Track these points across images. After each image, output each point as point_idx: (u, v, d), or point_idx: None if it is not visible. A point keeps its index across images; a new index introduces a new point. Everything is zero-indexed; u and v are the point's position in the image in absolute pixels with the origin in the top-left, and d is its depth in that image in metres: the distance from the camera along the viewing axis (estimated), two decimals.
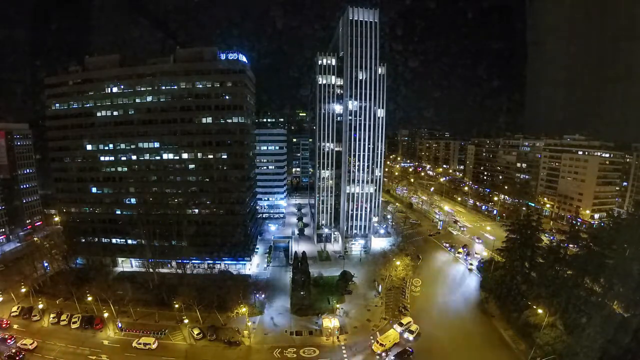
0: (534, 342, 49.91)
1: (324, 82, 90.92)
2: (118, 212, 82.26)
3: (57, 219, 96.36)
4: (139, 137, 77.29)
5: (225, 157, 77.81)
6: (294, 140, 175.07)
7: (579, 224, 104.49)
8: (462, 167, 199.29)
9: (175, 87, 75.57)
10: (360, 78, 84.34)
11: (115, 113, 77.23)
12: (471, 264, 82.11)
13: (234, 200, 79.64)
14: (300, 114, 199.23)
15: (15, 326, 60.43)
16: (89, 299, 62.45)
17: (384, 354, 51.97)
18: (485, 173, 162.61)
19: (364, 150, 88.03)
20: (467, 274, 79.77)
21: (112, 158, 79.74)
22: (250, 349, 54.38)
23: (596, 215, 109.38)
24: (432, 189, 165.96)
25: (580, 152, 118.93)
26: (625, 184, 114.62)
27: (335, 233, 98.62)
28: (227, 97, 75.88)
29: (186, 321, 59.39)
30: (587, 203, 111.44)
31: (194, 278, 70.95)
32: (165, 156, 78.12)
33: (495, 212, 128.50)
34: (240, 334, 57.06)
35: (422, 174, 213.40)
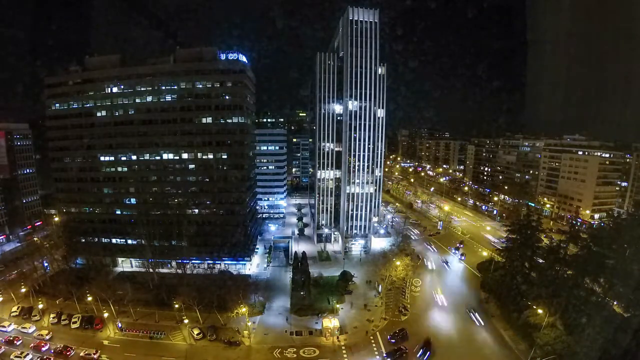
0: (534, 342, 49.89)
1: (324, 82, 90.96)
2: (118, 212, 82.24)
3: (57, 219, 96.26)
4: (139, 137, 77.21)
5: (225, 157, 77.78)
6: (294, 140, 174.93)
7: (579, 224, 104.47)
8: (462, 167, 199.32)
9: (175, 87, 75.53)
10: (360, 78, 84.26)
11: (115, 113, 77.18)
12: None
13: (234, 200, 79.64)
14: (300, 114, 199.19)
15: (15, 326, 60.43)
16: (89, 299, 62.39)
17: None
18: (485, 173, 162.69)
19: (364, 150, 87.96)
20: (467, 273, 79.72)
21: (112, 158, 79.70)
22: (250, 349, 54.39)
23: (596, 215, 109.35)
24: (432, 189, 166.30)
25: (580, 152, 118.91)
26: (625, 184, 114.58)
27: (335, 233, 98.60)
28: (227, 97, 75.86)
29: (186, 321, 59.38)
30: (587, 203, 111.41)
31: (194, 278, 70.87)
32: (165, 156, 78.09)
33: (495, 212, 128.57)
34: (240, 334, 57.08)
35: (422, 174, 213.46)
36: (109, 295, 61.43)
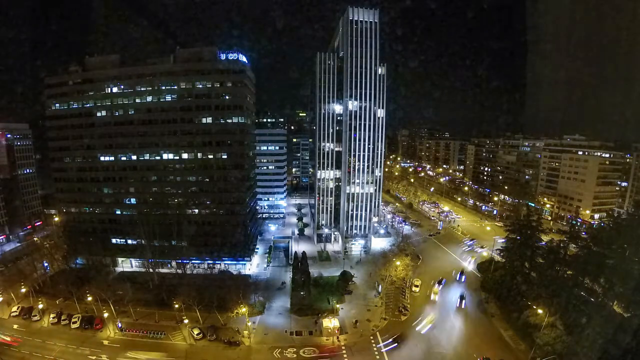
0: (534, 342, 49.91)
1: (324, 82, 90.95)
2: (118, 212, 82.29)
3: (57, 219, 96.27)
4: (139, 137, 77.25)
5: (225, 157, 77.77)
6: (294, 140, 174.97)
7: (579, 224, 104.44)
8: (462, 167, 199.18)
9: (175, 87, 75.55)
10: (360, 78, 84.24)
11: (115, 113, 77.22)
12: None
13: (234, 200, 79.63)
14: (300, 114, 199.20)
15: (15, 326, 60.40)
16: (89, 299, 62.42)
17: None
18: (485, 173, 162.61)
19: (364, 151, 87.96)
20: (467, 273, 79.65)
21: (112, 158, 79.71)
22: (250, 349, 54.38)
23: (596, 215, 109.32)
24: (432, 189, 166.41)
25: (580, 152, 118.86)
26: (625, 184, 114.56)
27: (335, 233, 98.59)
28: (227, 97, 75.86)
29: (186, 321, 59.38)
30: (587, 203, 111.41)
31: (194, 278, 71.00)
32: (165, 156, 78.12)
33: (495, 212, 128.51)
34: (240, 334, 57.08)
35: (422, 174, 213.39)
36: (109, 295, 61.45)
